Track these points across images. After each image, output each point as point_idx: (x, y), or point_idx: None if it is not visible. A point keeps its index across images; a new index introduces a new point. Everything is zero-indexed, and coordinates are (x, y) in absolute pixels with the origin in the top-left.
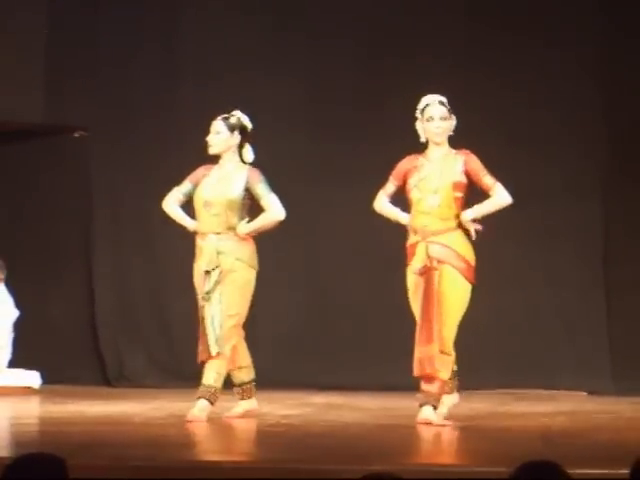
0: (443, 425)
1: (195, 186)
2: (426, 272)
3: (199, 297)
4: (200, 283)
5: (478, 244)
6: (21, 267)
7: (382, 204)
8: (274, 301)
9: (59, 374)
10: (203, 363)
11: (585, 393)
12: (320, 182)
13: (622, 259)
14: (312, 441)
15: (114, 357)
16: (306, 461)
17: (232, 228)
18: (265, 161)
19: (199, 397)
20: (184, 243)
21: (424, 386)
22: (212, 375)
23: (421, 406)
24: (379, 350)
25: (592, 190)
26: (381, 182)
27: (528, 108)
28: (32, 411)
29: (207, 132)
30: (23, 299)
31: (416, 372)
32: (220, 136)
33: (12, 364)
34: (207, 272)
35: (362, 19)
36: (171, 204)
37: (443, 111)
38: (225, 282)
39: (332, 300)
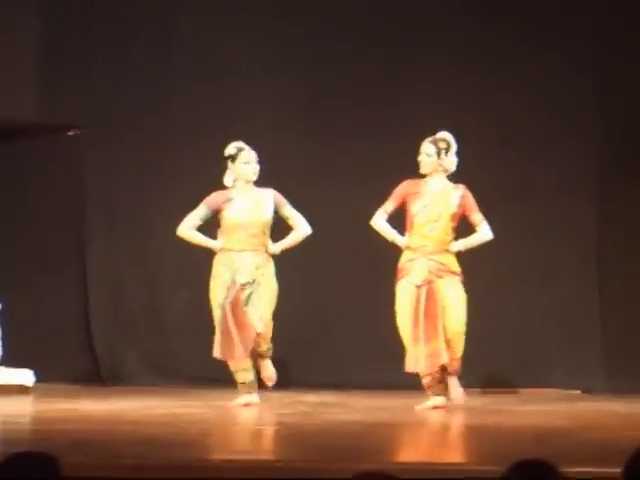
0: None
1: (215, 211)
2: (427, 284)
3: (223, 304)
4: (226, 293)
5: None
6: (14, 265)
7: (381, 223)
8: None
9: (52, 372)
10: (221, 360)
11: (578, 392)
12: (317, 182)
13: (616, 259)
14: (306, 440)
15: (108, 356)
16: (300, 459)
17: (265, 245)
18: (262, 161)
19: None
20: (178, 242)
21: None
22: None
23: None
24: (373, 350)
25: (587, 189)
26: (378, 183)
27: (524, 107)
28: (25, 409)
29: (201, 130)
30: (16, 298)
31: (422, 368)
32: (257, 167)
33: (5, 362)
34: (244, 285)
35: (360, 20)
36: (188, 229)
37: (430, 149)
38: (262, 291)
39: (327, 300)
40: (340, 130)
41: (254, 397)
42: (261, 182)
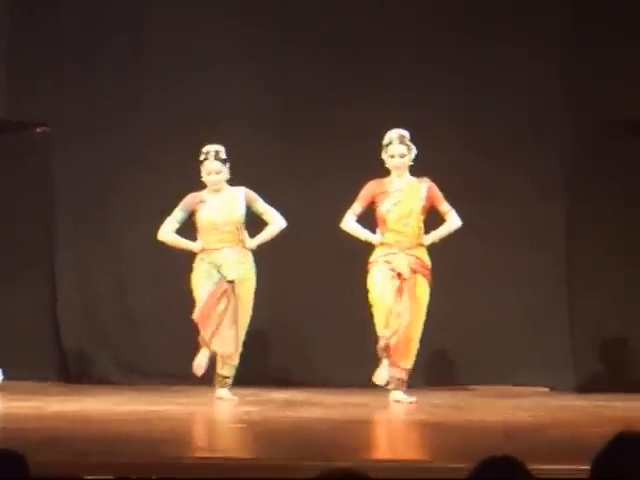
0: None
1: (190, 213)
2: (407, 279)
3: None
4: (217, 290)
5: (445, 244)
6: None
7: (351, 224)
8: None
9: (21, 371)
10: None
11: (546, 389)
12: (290, 181)
13: (585, 258)
14: (272, 437)
15: (77, 354)
16: (265, 457)
17: (242, 241)
18: (235, 160)
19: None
20: (148, 240)
21: (397, 373)
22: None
23: (395, 389)
24: (339, 347)
25: (556, 190)
26: (351, 181)
27: (492, 108)
28: None
29: (172, 130)
30: None
31: (393, 356)
32: (222, 174)
33: None
34: (231, 281)
35: (330, 20)
36: (168, 233)
37: (402, 149)
38: (244, 289)
39: (296, 298)
40: (310, 129)
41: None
42: (236, 180)
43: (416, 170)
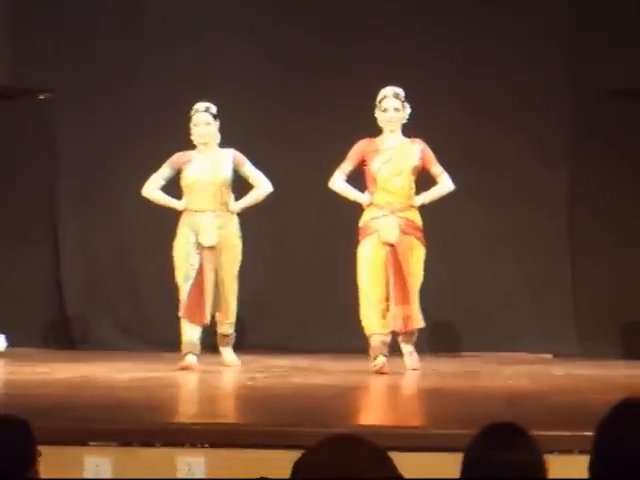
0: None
1: (177, 171)
2: (399, 242)
3: (191, 267)
4: (192, 256)
5: (444, 210)
6: None
7: (340, 183)
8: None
9: (24, 337)
10: (184, 320)
11: (550, 356)
12: (287, 149)
13: (587, 225)
14: (276, 403)
15: (80, 320)
16: (270, 423)
17: (225, 204)
18: (232, 127)
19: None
20: (151, 208)
21: (410, 338)
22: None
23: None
24: (344, 313)
25: (558, 156)
26: (348, 146)
27: (493, 74)
28: None
29: (173, 97)
30: None
31: (400, 328)
32: (211, 127)
33: None
34: (211, 247)
35: None
36: (152, 189)
37: (397, 103)
38: (227, 253)
39: (297, 264)
40: (307, 96)
41: (194, 359)
42: (232, 145)
43: (416, 135)
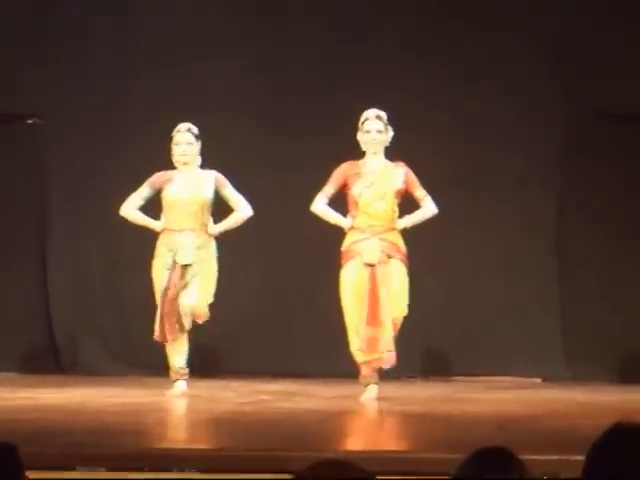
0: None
1: (157, 191)
2: (381, 264)
3: (163, 288)
4: (167, 275)
5: (432, 233)
6: None
7: (322, 206)
8: (227, 289)
9: (13, 362)
10: (160, 342)
11: (539, 379)
12: (271, 172)
13: (576, 246)
14: (265, 428)
15: (68, 344)
16: (259, 448)
17: (205, 225)
18: (218, 149)
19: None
20: (139, 232)
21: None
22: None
23: (373, 385)
24: (333, 337)
25: (546, 175)
26: (331, 170)
27: (483, 94)
28: None
29: (162, 121)
30: None
31: (376, 350)
32: (192, 147)
33: None
34: (185, 266)
35: (312, 7)
36: (131, 209)
37: (379, 125)
38: (203, 273)
39: (286, 287)
40: (292, 120)
41: (184, 385)
42: (213, 167)
43: (403, 157)
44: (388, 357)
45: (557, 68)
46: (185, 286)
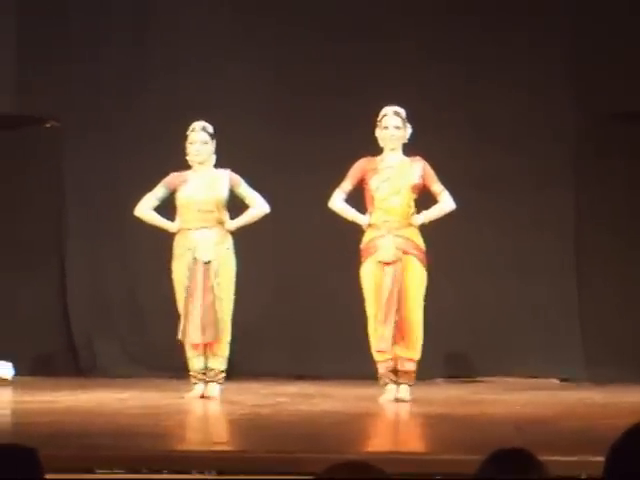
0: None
1: (172, 191)
2: (396, 262)
3: (186, 286)
4: (192, 274)
5: (450, 233)
6: None
7: (340, 203)
8: (245, 290)
9: (32, 365)
10: (182, 345)
11: (557, 381)
12: (287, 171)
13: (593, 246)
14: (284, 430)
15: (87, 348)
16: (277, 450)
17: (221, 223)
18: (232, 151)
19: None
20: (157, 234)
21: (405, 365)
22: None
23: (398, 385)
24: (352, 339)
25: (563, 176)
26: (346, 169)
27: (498, 95)
28: (4, 402)
29: (178, 123)
30: None
31: (385, 352)
32: (207, 146)
33: None
34: (207, 262)
35: (325, 8)
36: (146, 210)
37: (397, 121)
38: (222, 272)
39: (303, 288)
40: (307, 120)
41: (202, 387)
42: (228, 166)
43: (422, 156)
44: (407, 366)
45: (571, 68)
46: (209, 289)
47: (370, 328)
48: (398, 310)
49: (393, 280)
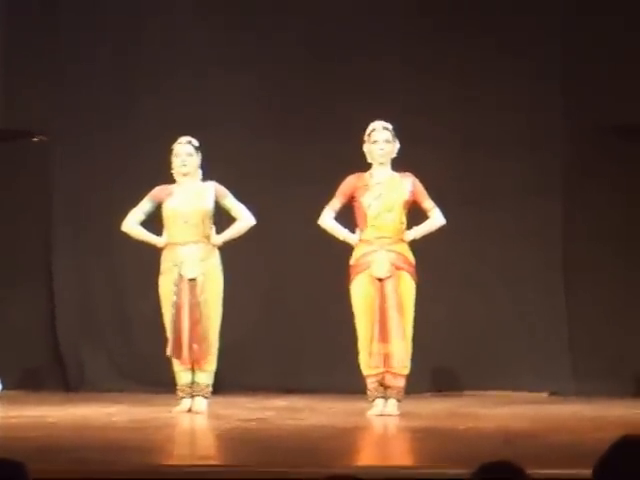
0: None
1: (158, 204)
2: (390, 277)
3: (173, 302)
4: (179, 290)
5: (438, 247)
6: None
7: (329, 221)
8: (233, 304)
9: (19, 379)
10: (171, 360)
11: (546, 394)
12: (276, 185)
13: (582, 260)
14: (272, 444)
15: (75, 361)
16: (265, 464)
17: (207, 237)
18: (223, 165)
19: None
20: (145, 247)
21: (393, 381)
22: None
23: (386, 399)
24: (340, 353)
25: (552, 190)
26: (336, 183)
27: (486, 107)
28: None
29: (168, 138)
30: None
31: (385, 366)
32: (192, 159)
33: None
34: (192, 279)
35: (316, 20)
36: (133, 225)
37: (387, 135)
38: (208, 288)
39: (292, 302)
40: (298, 131)
41: (189, 401)
42: (218, 180)
43: (409, 170)
44: (395, 382)
45: (560, 80)
46: (195, 305)
47: (360, 344)
48: (393, 324)
49: (388, 297)
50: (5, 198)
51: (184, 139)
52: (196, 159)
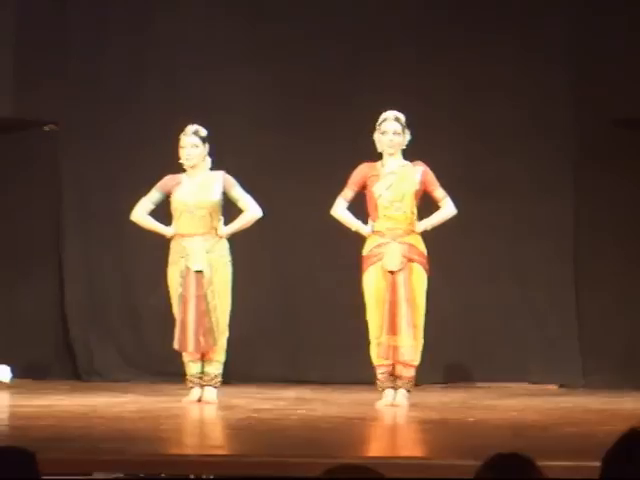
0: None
1: (166, 195)
2: (402, 269)
3: (179, 294)
4: (185, 282)
5: (449, 241)
6: None
7: (342, 211)
8: (243, 296)
9: (29, 369)
10: (179, 351)
11: (555, 386)
12: (287, 178)
13: (592, 255)
14: (281, 434)
15: (84, 351)
16: (275, 454)
17: (215, 228)
18: (233, 158)
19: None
20: (154, 238)
21: (404, 371)
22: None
23: (395, 390)
24: (350, 344)
25: (562, 186)
26: (346, 176)
27: (499, 104)
28: (2, 406)
29: (176, 126)
30: None
31: (394, 359)
32: (198, 150)
33: None
34: (199, 271)
35: (327, 15)
36: (141, 214)
37: (397, 127)
38: (216, 279)
39: (302, 295)
40: (308, 127)
41: (199, 391)
42: (228, 172)
43: (422, 160)
44: (405, 372)
45: (572, 76)
46: (201, 297)
47: (371, 335)
48: (403, 316)
49: (399, 289)
50: (15, 187)
51: (190, 129)
52: (202, 150)
